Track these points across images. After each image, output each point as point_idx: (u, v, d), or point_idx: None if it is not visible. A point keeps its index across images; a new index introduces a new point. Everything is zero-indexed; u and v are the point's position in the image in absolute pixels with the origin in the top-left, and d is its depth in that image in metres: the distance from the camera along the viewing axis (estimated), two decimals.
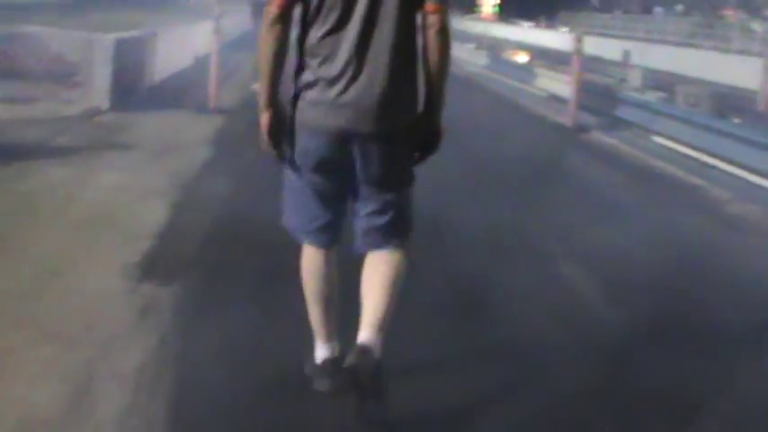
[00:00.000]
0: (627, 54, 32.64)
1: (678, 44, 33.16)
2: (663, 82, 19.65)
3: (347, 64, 3.47)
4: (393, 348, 3.60)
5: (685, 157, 11.09)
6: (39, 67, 11.50)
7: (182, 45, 17.49)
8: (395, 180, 3.68)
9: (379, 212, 3.68)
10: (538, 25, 53.49)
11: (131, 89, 12.45)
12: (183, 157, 8.94)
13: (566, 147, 11.85)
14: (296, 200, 3.77)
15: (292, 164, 3.69)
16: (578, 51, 13.38)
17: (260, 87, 3.58)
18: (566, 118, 13.65)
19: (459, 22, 46.27)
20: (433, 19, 3.48)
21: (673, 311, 5.24)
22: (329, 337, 3.79)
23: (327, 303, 3.75)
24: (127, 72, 12.29)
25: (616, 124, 13.51)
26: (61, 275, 5.15)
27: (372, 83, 3.47)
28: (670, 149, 11.64)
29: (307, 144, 3.58)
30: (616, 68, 24.04)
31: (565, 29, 47.32)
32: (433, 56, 3.53)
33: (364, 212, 3.70)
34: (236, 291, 5.12)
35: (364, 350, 3.47)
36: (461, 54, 26.89)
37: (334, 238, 3.76)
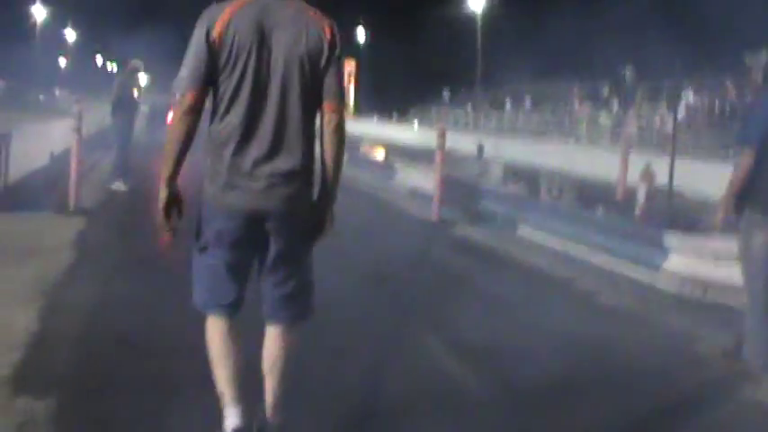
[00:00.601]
0: (481, 148, 33.56)
1: (534, 135, 34.24)
2: (522, 174, 20.20)
3: (261, 151, 3.82)
4: None
5: (551, 247, 11.29)
6: None
7: (35, 144, 16.96)
8: (299, 253, 4.05)
9: (284, 282, 4.02)
10: (390, 120, 54.48)
11: None
12: (46, 262, 8.52)
13: (433, 242, 11.90)
14: (208, 278, 4.02)
15: (204, 246, 3.98)
16: (441, 146, 13.56)
17: (162, 168, 3.84)
18: (430, 213, 13.74)
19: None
20: (331, 117, 3.91)
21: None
22: (237, 400, 4.02)
23: (234, 367, 4.01)
24: None
25: (481, 217, 13.68)
26: None
27: (284, 167, 3.84)
28: (536, 241, 11.83)
29: (224, 226, 3.90)
30: (472, 162, 24.62)
31: (416, 124, 48.37)
32: (331, 150, 3.94)
33: (271, 282, 4.04)
34: (115, 401, 4.89)
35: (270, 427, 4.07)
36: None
37: (239, 306, 4.08)
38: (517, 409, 5.30)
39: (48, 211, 11.85)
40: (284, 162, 3.86)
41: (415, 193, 16.84)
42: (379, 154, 26.37)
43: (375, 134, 43.89)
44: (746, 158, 6.12)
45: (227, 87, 3.84)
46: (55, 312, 6.68)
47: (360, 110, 60.10)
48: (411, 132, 45.61)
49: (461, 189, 14.82)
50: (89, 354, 5.77)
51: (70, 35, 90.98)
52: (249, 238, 3.93)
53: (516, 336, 6.89)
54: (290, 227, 3.95)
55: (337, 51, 3.93)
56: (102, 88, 37.14)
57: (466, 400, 5.40)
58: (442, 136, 13.52)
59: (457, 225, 13.26)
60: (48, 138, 18.69)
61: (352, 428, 4.93)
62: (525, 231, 12.28)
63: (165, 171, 3.85)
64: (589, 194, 15.59)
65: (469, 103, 50.55)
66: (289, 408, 4.17)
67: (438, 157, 13.70)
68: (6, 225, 10.64)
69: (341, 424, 4.91)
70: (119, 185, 14.83)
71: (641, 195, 14.93)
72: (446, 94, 56.04)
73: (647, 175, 15.35)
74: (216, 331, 4.05)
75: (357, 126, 46.75)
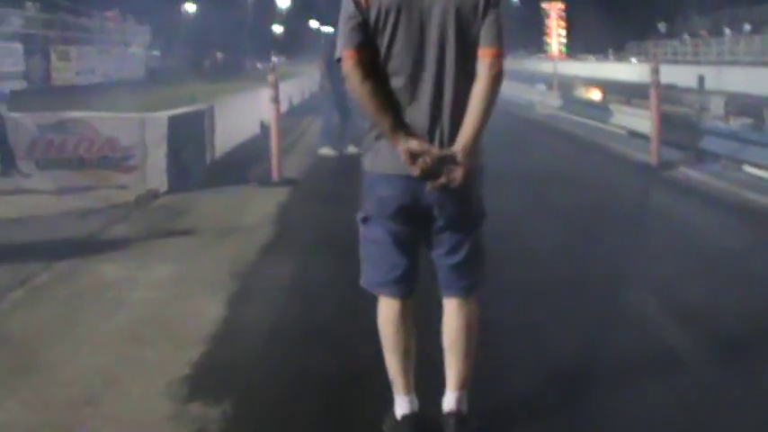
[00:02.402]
0: (702, 80, 31.56)
1: (755, 64, 31.92)
2: (746, 106, 18.65)
3: (423, 110, 3.58)
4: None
5: None
6: (90, 153, 11.05)
7: (244, 115, 17.04)
8: (468, 220, 3.75)
9: (454, 251, 3.76)
10: (607, 58, 52.60)
11: (191, 167, 11.90)
12: (243, 241, 8.27)
13: (653, 188, 11.04)
14: (374, 253, 3.82)
15: (366, 217, 3.81)
16: (656, 83, 12.51)
17: (380, 125, 3.60)
18: (649, 156, 12.76)
19: (527, 63, 45.61)
20: (492, 61, 3.55)
21: None
22: (408, 389, 3.84)
23: (406, 354, 3.81)
24: (185, 150, 11.75)
25: (703, 157, 12.60)
26: (97, 403, 4.47)
27: (447, 128, 3.58)
28: (764, 180, 10.72)
29: (385, 192, 3.66)
30: (693, 96, 23.04)
31: (634, 59, 46.34)
32: (483, 95, 3.54)
33: (441, 251, 3.78)
34: (301, 407, 4.43)
35: (454, 414, 3.80)
36: (533, 96, 26.21)
37: (411, 288, 3.82)
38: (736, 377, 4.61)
39: (252, 183, 11.71)
40: (452, 122, 3.59)
41: (633, 135, 15.85)
42: (595, 95, 25.09)
43: (591, 74, 42.14)
44: None
45: (381, 48, 3.61)
46: (245, 300, 6.31)
47: (572, 50, 58.22)
48: (629, 69, 43.59)
49: (681, 127, 13.71)
50: (277, 349, 5.32)
51: (283, 2, 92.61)
52: (412, 206, 3.65)
53: (739, 292, 6.09)
54: (458, 191, 3.59)
55: None
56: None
57: (683, 364, 4.84)
58: (656, 72, 12.43)
59: (678, 167, 12.26)
60: (261, 106, 18.66)
61: (563, 400, 4.40)
62: (752, 170, 11.14)
63: (388, 131, 3.56)
64: None
65: (686, 34, 47.98)
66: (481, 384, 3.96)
67: (652, 96, 12.64)
68: (209, 201, 10.54)
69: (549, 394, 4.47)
70: (327, 151, 14.61)
71: None
72: (662, 25, 53.51)
73: None
74: (387, 314, 3.83)
75: (571, 67, 45.29)
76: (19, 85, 31.88)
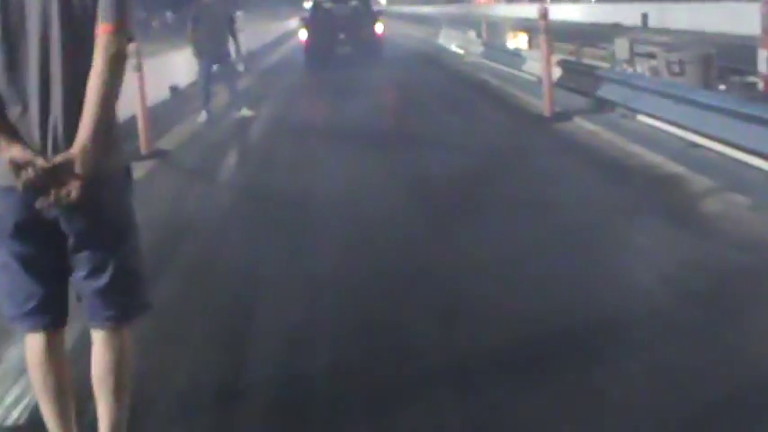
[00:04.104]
0: (646, 17, 31.05)
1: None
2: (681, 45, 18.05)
3: (32, 115, 2.97)
4: None
5: (671, 138, 9.62)
6: None
7: (148, 80, 16.16)
8: (107, 235, 3.12)
9: (95, 273, 3.12)
10: None
11: None
12: None
13: (534, 142, 10.56)
14: (5, 281, 3.15)
15: None
16: (546, 28, 11.82)
17: None
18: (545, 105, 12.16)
19: (460, 7, 44.72)
20: (108, 41, 2.92)
21: None
22: None
23: (59, 396, 3.23)
24: None
25: (601, 106, 12.02)
26: None
27: (61, 130, 2.96)
28: (655, 130, 10.15)
29: (0, 208, 3.02)
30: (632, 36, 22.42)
31: None
32: (101, 82, 2.90)
33: (80, 275, 3.14)
34: None
35: None
36: (462, 43, 25.56)
37: (57, 319, 3.21)
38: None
39: None
40: (59, 125, 2.97)
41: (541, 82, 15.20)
42: (522, 41, 24.33)
43: (525, 17, 41.35)
44: None
45: None
46: None
47: None
48: (582, 9, 42.93)
49: (582, 74, 13.09)
50: None
51: None
52: (34, 223, 3.01)
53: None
54: (87, 199, 2.94)
55: None
56: None
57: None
58: (544, 16, 11.68)
59: (573, 117, 11.64)
60: (176, 69, 17.94)
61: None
62: (646, 119, 10.57)
63: None
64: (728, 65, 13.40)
65: None
66: None
67: (542, 43, 12.00)
68: None
69: None
70: (202, 117, 13.89)
71: None
72: None
73: None
74: (32, 351, 3.21)
75: (502, 9, 44.49)
76: None
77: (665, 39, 15.00)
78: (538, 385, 3.95)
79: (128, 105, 10.93)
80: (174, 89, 17.25)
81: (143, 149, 11.08)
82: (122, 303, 3.19)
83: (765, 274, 5.33)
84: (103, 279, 3.13)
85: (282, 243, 6.67)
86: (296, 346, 4.60)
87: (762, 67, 10.52)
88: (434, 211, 7.55)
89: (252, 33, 34.37)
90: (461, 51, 24.54)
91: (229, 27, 13.92)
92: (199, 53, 13.83)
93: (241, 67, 15.27)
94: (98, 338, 3.21)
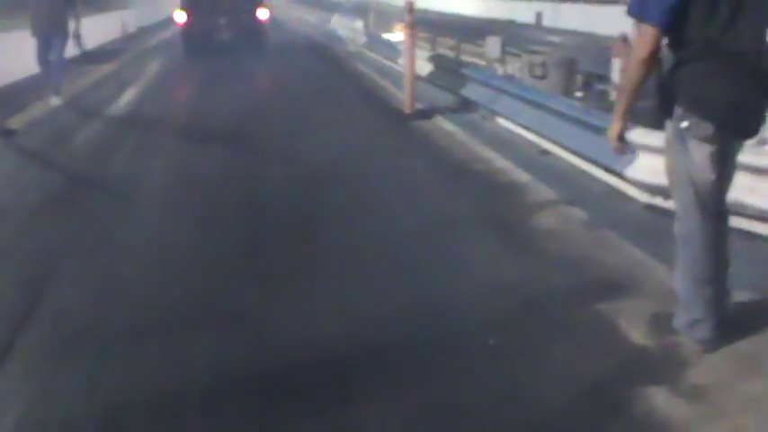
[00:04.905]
0: (540, 16, 31.06)
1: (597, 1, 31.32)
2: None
3: None
4: None
5: (524, 143, 9.39)
6: None
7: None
8: None
9: None
10: None
11: None
12: None
13: (387, 140, 10.17)
14: None
15: None
16: (411, 23, 11.45)
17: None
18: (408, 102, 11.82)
19: None
20: None
21: None
22: None
23: None
24: None
25: (465, 105, 11.76)
26: None
27: None
28: (511, 134, 9.92)
29: None
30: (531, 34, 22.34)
31: None
32: None
33: None
34: None
35: None
36: (347, 32, 25.16)
37: None
38: None
39: None
40: None
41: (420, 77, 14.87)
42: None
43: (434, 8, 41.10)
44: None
45: None
46: None
47: None
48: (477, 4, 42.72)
49: (456, 72, 12.79)
50: None
51: None
52: None
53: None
54: None
55: None
56: None
57: None
58: (410, 11, 11.27)
59: (434, 116, 11.33)
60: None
61: None
62: (503, 121, 10.34)
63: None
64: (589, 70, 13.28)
65: None
66: None
67: (406, 37, 11.64)
68: None
69: None
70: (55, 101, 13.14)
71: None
72: None
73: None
74: None
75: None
76: None
77: (554, 38, 14.85)
78: None
79: None
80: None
81: None
82: None
83: (575, 298, 5.06)
84: None
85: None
86: None
87: (614, 77, 10.34)
88: (251, 209, 7.20)
89: (148, 9, 33.55)
90: (347, 40, 24.12)
91: (67, 3, 13.01)
92: (34, 31, 12.88)
93: (76, 50, 14.36)
94: None
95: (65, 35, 12.98)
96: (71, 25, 13.06)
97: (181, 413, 3.78)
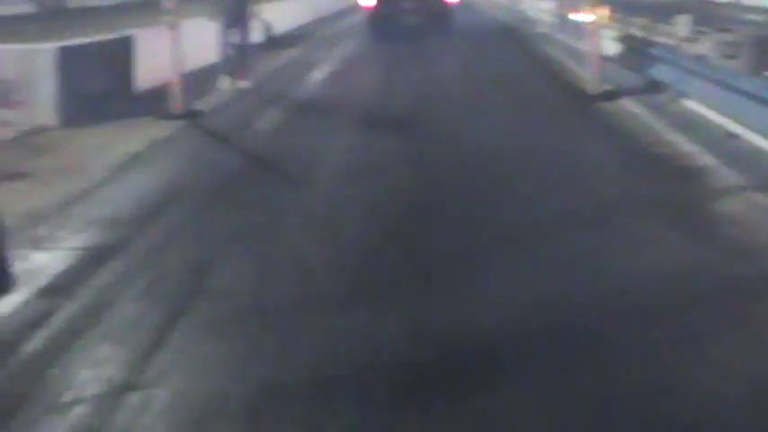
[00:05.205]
0: None
1: None
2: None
3: None
4: None
5: (711, 125, 9.08)
6: None
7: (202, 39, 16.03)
8: None
9: None
10: None
11: (99, 101, 11.12)
12: (79, 183, 7.67)
13: (570, 121, 10.08)
14: None
15: None
16: (594, 1, 11.26)
17: None
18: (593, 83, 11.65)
19: None
20: None
21: None
22: None
23: None
24: (90, 81, 11.01)
25: (653, 87, 11.46)
26: None
27: None
28: (698, 116, 9.59)
29: None
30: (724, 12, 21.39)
31: None
32: None
33: None
34: None
35: None
36: (538, 14, 24.86)
37: None
38: None
39: (153, 115, 10.93)
40: None
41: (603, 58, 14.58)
42: (602, 14, 23.29)
43: None
44: None
45: None
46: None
47: None
48: None
49: (644, 52, 12.47)
50: None
51: None
52: None
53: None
54: None
55: None
56: None
57: None
58: None
59: (618, 98, 11.11)
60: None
61: None
62: (692, 104, 10.01)
63: None
64: None
65: None
66: None
67: (591, 20, 11.45)
68: (86, 137, 9.85)
69: None
70: (224, 84, 13.53)
71: None
72: None
73: None
74: None
75: None
76: (23, 8, 30.83)
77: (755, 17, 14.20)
78: None
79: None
80: None
81: (177, 109, 11.01)
82: None
83: (755, 291, 4.88)
84: None
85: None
86: None
87: None
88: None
89: None
90: (536, 21, 23.85)
91: None
92: (216, 15, 13.42)
93: (257, 35, 14.77)
94: None
95: (247, 19, 13.47)
96: (250, 8, 13.58)
97: (331, 394, 3.82)
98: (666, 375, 3.88)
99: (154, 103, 11.65)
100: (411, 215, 6.61)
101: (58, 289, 5.13)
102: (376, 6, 20.66)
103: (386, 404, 3.69)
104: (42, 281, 5.27)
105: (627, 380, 3.84)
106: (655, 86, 11.38)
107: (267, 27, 14.13)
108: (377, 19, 20.86)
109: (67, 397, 3.77)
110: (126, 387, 3.84)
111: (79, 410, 3.66)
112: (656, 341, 4.21)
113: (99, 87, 11.27)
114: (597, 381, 3.83)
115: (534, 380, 3.86)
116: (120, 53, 12.11)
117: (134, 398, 3.74)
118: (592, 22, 11.36)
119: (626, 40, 13.94)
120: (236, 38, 13.48)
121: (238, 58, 13.69)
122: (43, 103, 10.47)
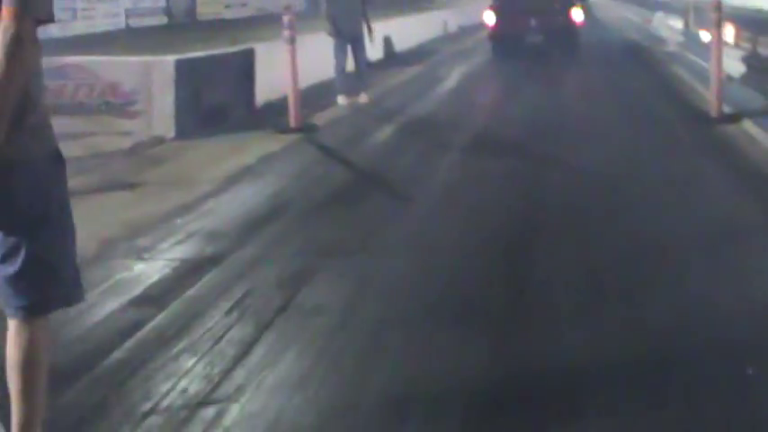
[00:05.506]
0: None
1: None
2: None
3: None
4: None
5: None
6: (91, 99, 10.68)
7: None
8: (19, 221, 2.98)
9: (7, 258, 3.01)
10: None
11: (217, 113, 11.43)
12: (186, 195, 7.84)
13: (687, 143, 9.80)
14: None
15: None
16: (717, 21, 10.94)
17: None
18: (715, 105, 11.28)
19: None
20: (5, 24, 2.75)
21: None
22: None
23: None
24: (210, 94, 11.32)
25: None
26: None
27: None
28: None
29: None
30: None
31: None
32: None
33: None
34: None
35: None
36: (665, 32, 24.44)
37: None
38: None
39: (268, 130, 11.15)
40: None
41: (731, 80, 14.14)
42: (728, 33, 22.65)
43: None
44: None
45: None
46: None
47: None
48: None
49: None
50: None
51: None
52: None
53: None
54: None
55: None
56: None
57: None
58: (718, 9, 10.78)
59: (740, 121, 10.70)
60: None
61: None
62: None
63: None
64: None
65: None
66: None
67: (714, 40, 11.11)
68: (201, 150, 10.10)
69: None
70: (341, 100, 13.66)
71: None
72: None
73: None
74: None
75: None
76: (159, 20, 31.81)
77: None
78: None
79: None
80: None
81: (292, 123, 11.18)
82: (33, 294, 3.03)
83: None
84: (14, 266, 3.00)
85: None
86: None
87: None
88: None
89: (471, 9, 33.90)
90: (665, 40, 23.38)
91: (362, 6, 13.67)
92: (335, 32, 13.57)
93: (377, 52, 14.84)
94: (11, 328, 3.08)
95: (363, 35, 13.60)
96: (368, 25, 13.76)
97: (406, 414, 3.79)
98: (754, 412, 3.69)
99: (271, 116, 11.87)
100: (520, 240, 6.48)
101: (150, 299, 5.25)
102: (497, 23, 20.19)
103: None
104: (137, 290, 5.40)
105: (708, 410, 3.68)
106: None
107: (387, 44, 14.18)
108: (499, 37, 20.39)
109: (145, 407, 3.83)
110: (202, 401, 3.88)
111: (153, 421, 3.71)
112: (750, 378, 4.00)
113: (218, 100, 11.58)
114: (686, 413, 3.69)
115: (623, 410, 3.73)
116: (242, 66, 12.40)
117: (209, 412, 3.78)
118: (716, 41, 10.99)
119: (753, 59, 13.51)
120: (354, 54, 13.64)
121: (356, 74, 13.82)
122: (161, 115, 10.79)
